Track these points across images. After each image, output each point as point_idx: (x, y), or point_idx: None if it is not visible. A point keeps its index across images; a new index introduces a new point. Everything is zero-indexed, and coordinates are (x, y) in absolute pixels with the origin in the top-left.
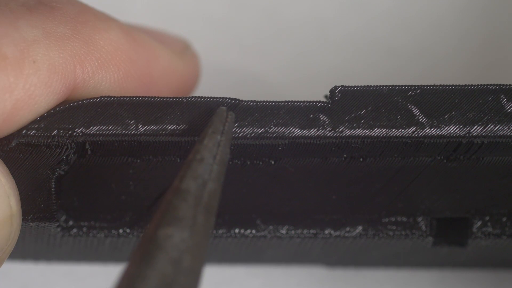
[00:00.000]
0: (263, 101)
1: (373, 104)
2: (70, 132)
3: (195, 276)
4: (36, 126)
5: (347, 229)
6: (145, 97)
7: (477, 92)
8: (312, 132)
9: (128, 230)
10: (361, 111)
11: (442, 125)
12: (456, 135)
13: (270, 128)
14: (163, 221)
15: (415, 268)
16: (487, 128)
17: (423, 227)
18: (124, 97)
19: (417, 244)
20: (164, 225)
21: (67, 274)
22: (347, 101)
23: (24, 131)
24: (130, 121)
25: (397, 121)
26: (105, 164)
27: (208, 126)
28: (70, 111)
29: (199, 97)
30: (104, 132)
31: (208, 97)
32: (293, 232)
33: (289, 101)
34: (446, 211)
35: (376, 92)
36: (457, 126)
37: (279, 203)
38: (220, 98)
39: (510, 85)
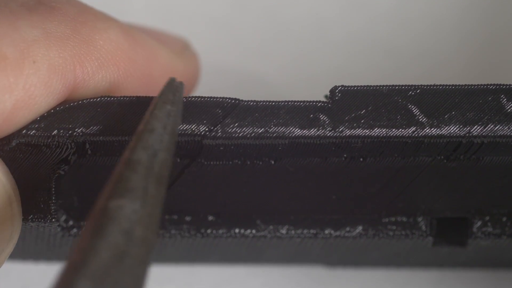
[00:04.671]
0: (263, 101)
1: (373, 104)
2: (70, 132)
3: (147, 247)
4: (36, 126)
5: (347, 229)
6: (145, 97)
7: (477, 92)
8: (312, 132)
9: None
10: (361, 111)
11: (442, 125)
12: (456, 135)
13: (270, 128)
14: (114, 192)
15: (415, 268)
16: (487, 128)
17: (423, 227)
18: (124, 97)
19: (417, 244)
20: (115, 197)
21: None
22: (347, 101)
23: (24, 131)
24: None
25: (397, 121)
26: (105, 164)
27: (158, 96)
28: (70, 111)
29: (199, 97)
30: (104, 132)
31: (208, 97)
32: (293, 232)
33: (289, 101)
34: (446, 211)
35: (376, 92)
36: (457, 126)
37: (279, 203)
38: (220, 98)
39: (510, 85)
